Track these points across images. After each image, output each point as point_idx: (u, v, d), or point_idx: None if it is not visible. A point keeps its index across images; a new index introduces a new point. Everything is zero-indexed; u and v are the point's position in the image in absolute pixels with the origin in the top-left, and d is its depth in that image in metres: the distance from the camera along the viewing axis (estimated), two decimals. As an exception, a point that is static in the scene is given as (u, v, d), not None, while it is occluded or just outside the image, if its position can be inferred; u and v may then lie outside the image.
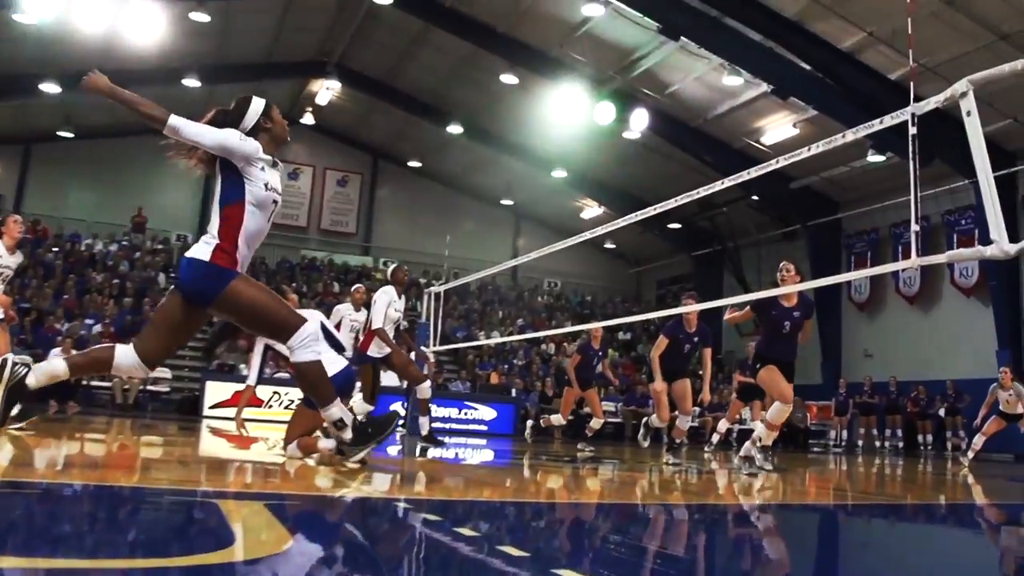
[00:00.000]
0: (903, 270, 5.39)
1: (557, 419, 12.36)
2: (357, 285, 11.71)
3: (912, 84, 5.45)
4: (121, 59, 20.81)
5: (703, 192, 7.33)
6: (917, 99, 5.07)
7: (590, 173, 26.95)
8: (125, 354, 4.56)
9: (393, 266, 9.46)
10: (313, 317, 6.76)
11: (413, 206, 30.25)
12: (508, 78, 21.49)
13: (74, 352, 4.65)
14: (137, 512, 3.53)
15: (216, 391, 16.33)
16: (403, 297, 9.30)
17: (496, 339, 22.25)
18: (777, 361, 7.86)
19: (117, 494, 3.93)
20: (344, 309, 10.61)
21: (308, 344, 4.49)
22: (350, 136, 29.62)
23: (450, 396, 18.54)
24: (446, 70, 23.39)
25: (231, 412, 15.56)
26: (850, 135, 5.76)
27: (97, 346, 4.81)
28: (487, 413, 18.30)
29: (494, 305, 28.14)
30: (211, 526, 3.24)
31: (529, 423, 13.51)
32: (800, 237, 24.11)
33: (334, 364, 6.23)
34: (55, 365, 4.62)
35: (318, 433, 6.42)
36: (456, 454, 10.18)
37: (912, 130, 4.96)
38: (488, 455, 10.93)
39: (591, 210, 29.54)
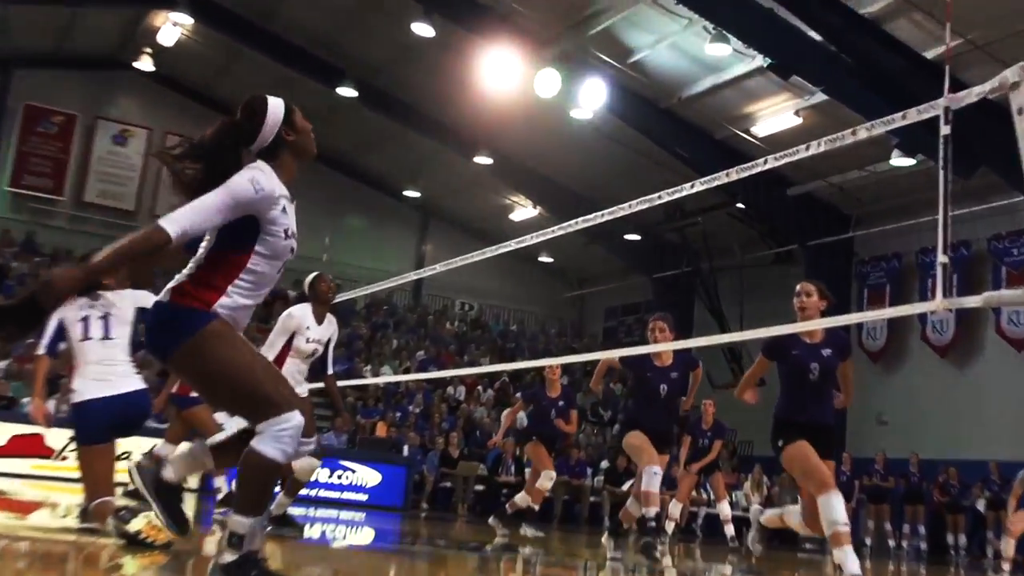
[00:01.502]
0: (931, 313, 5.44)
1: (547, 476, 12.01)
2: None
3: (948, 67, 5.51)
4: None
5: (672, 195, 7.33)
6: (955, 88, 5.13)
7: (524, 162, 26.99)
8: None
9: (313, 275, 8.97)
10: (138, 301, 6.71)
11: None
12: (422, 28, 21.40)
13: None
14: None
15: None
16: (328, 321, 8.82)
17: (387, 377, 22.05)
18: (806, 427, 7.36)
19: None
20: None
21: (284, 439, 4.33)
22: (202, 91, 29.18)
23: (319, 452, 18.29)
24: (340, 12, 23.24)
25: (8, 465, 15.17)
26: (863, 132, 5.79)
27: None
28: (369, 477, 18.11)
29: (387, 331, 27.96)
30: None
31: (493, 520, 12.24)
32: (797, 260, 24.39)
33: (123, 381, 6.36)
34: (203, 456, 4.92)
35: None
36: (323, 532, 10.02)
37: (944, 129, 5.00)
38: (366, 536, 10.78)
39: (523, 211, 29.56)
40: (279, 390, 4.41)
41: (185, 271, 4.46)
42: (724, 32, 18.96)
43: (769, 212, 24.51)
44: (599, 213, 8.08)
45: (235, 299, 4.44)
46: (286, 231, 4.53)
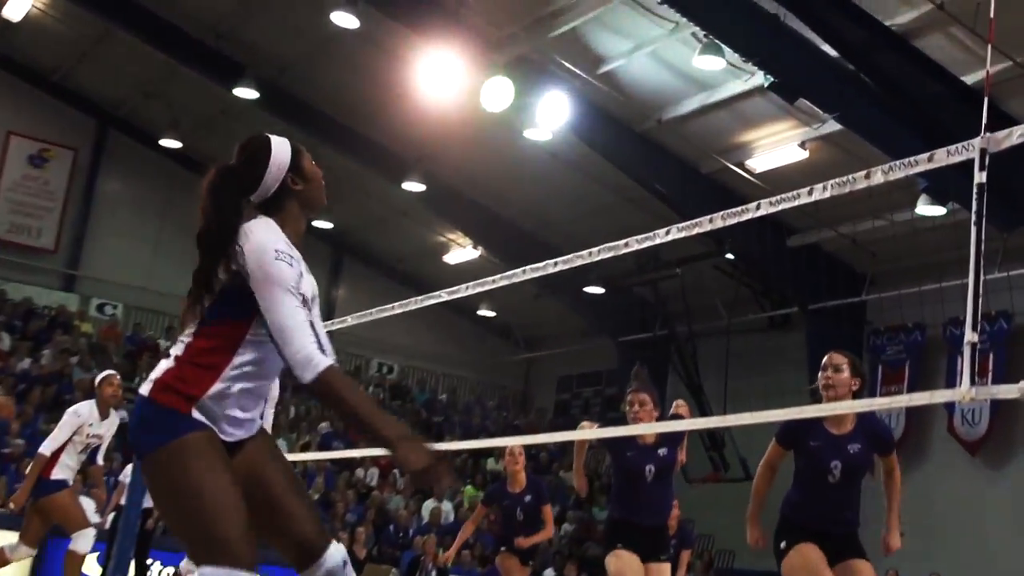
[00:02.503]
0: (960, 401, 5.37)
1: None
2: (109, 372, 11.40)
3: (987, 98, 5.56)
4: None
5: (644, 243, 7.38)
6: (998, 121, 5.20)
7: (464, 191, 27.01)
8: None
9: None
10: None
11: (161, 213, 29.71)
12: (344, 18, 21.36)
13: None
14: None
15: None
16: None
17: (280, 454, 21.86)
18: (816, 532, 7.27)
19: None
20: (84, 412, 10.35)
21: None
22: (59, 81, 28.93)
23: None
24: (240, -8, 23.33)
25: None
26: (879, 175, 5.82)
27: None
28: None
29: (282, 396, 27.75)
30: None
31: None
32: (797, 326, 24.44)
33: None
34: None
35: None
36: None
37: (979, 176, 5.05)
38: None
39: (460, 251, 29.56)
40: (243, 539, 4.33)
41: (173, 350, 4.44)
42: (717, 41, 18.97)
43: (764, 266, 24.60)
44: (554, 260, 8.10)
45: (231, 385, 4.40)
46: (304, 298, 4.44)
